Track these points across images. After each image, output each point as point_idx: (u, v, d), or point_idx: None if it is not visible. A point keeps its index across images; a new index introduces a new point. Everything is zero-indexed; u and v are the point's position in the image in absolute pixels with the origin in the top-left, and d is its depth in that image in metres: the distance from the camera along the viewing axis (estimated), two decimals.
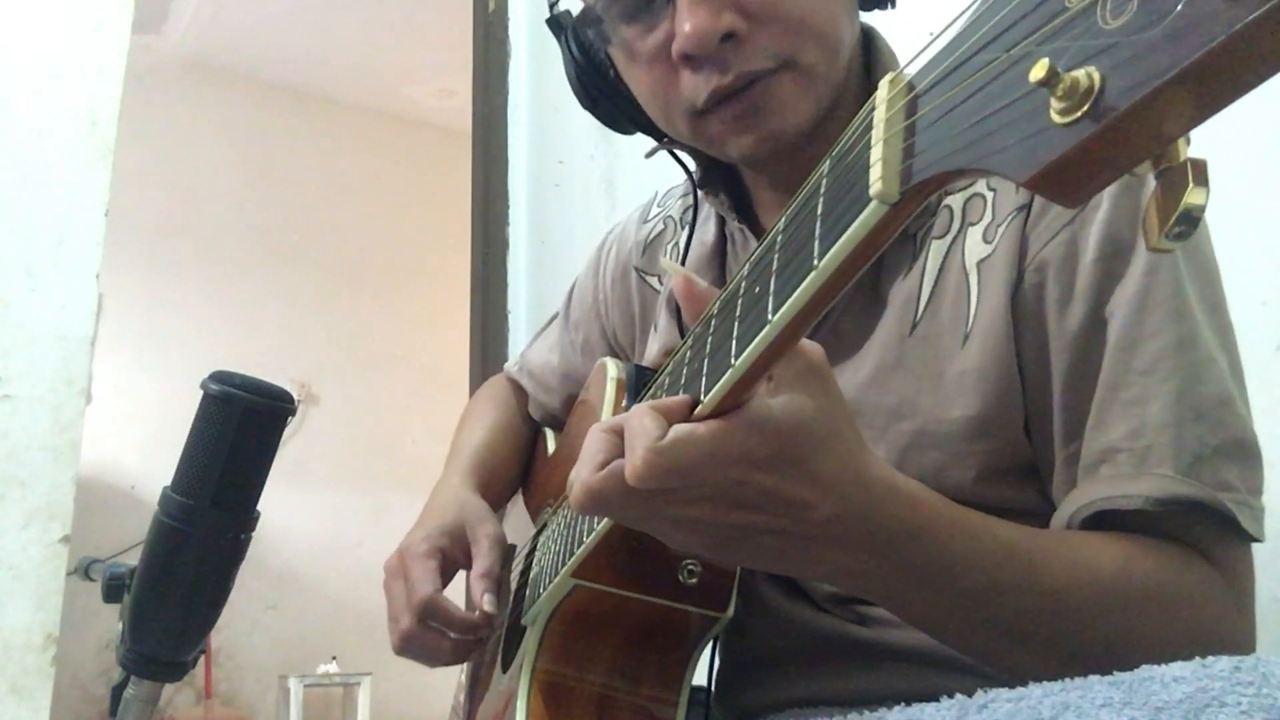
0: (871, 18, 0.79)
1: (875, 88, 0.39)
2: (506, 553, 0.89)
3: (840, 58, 0.72)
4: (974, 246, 0.71)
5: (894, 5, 0.76)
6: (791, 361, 0.49)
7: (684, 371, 0.53)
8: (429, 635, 0.82)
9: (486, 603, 0.81)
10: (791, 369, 0.49)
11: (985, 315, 0.69)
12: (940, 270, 0.72)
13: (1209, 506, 0.62)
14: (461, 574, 0.90)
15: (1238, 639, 0.64)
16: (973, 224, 0.72)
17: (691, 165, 0.86)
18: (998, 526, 0.60)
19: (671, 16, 0.69)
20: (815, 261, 0.40)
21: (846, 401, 0.73)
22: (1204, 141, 0.31)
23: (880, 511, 0.53)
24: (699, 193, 0.86)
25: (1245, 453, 0.65)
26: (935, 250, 0.73)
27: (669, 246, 0.95)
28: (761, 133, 0.72)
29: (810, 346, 0.50)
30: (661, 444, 0.47)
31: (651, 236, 0.98)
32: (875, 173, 0.36)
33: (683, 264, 0.89)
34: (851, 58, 0.75)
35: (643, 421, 0.48)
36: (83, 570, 3.41)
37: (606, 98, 0.81)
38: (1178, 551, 0.64)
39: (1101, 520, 0.65)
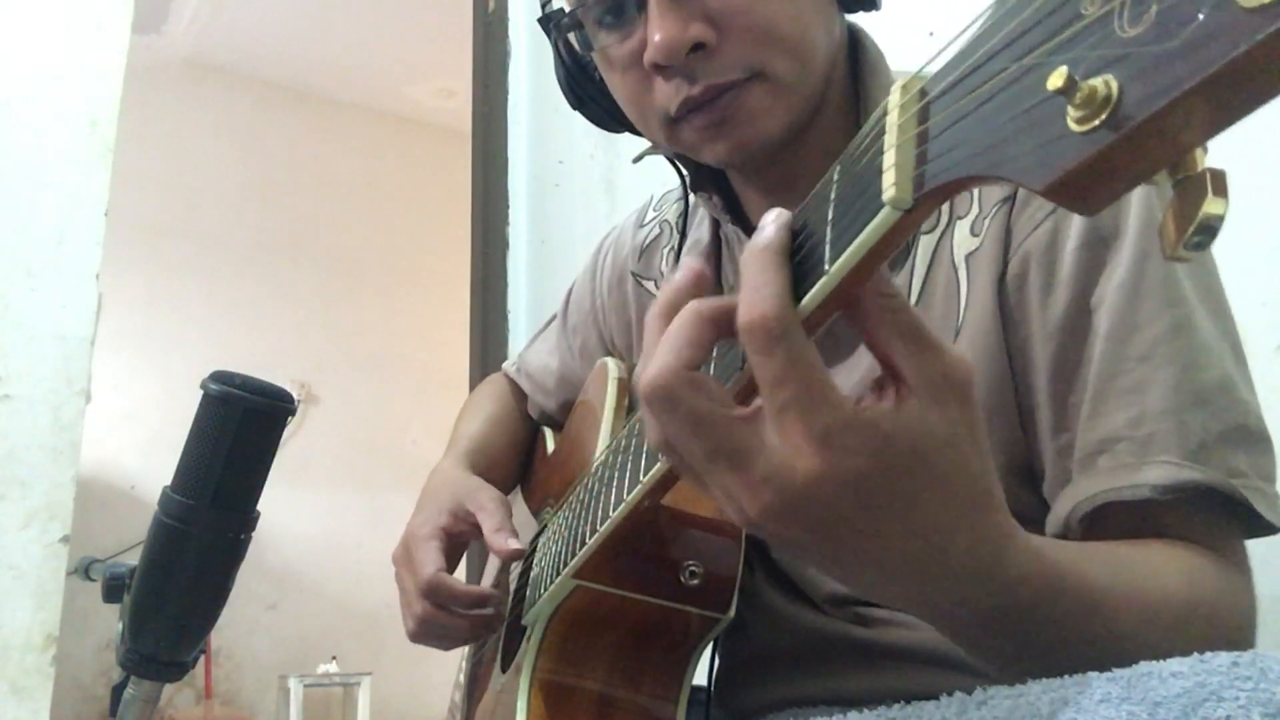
0: (869, 19, 0.79)
1: (863, 92, 0.39)
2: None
3: (814, 65, 0.71)
4: (962, 240, 0.71)
5: (879, 7, 0.75)
6: (926, 365, 0.42)
7: None
8: (443, 615, 0.82)
9: (512, 544, 0.80)
10: (925, 375, 0.42)
11: (974, 309, 0.69)
12: (930, 265, 0.72)
13: (1220, 492, 0.60)
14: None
15: (1252, 637, 0.62)
16: (960, 217, 0.72)
17: (684, 167, 0.86)
18: (1088, 571, 0.52)
19: (644, 25, 0.69)
20: (826, 266, 0.39)
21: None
22: None
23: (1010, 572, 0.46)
24: (692, 195, 0.87)
25: (1252, 438, 0.63)
26: (924, 245, 0.73)
27: (665, 250, 0.95)
28: (733, 141, 0.72)
29: (957, 356, 0.43)
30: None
31: (648, 241, 0.98)
32: (888, 178, 0.36)
33: (675, 268, 0.89)
34: (834, 62, 0.74)
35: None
36: (83, 570, 3.41)
37: (593, 99, 0.81)
38: (1211, 562, 0.60)
39: (1104, 514, 0.63)
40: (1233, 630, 0.59)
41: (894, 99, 0.38)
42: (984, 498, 0.44)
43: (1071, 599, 0.49)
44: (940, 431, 0.42)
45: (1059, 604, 0.49)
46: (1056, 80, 0.28)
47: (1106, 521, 0.63)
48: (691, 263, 0.46)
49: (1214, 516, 0.62)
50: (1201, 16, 0.24)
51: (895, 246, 0.39)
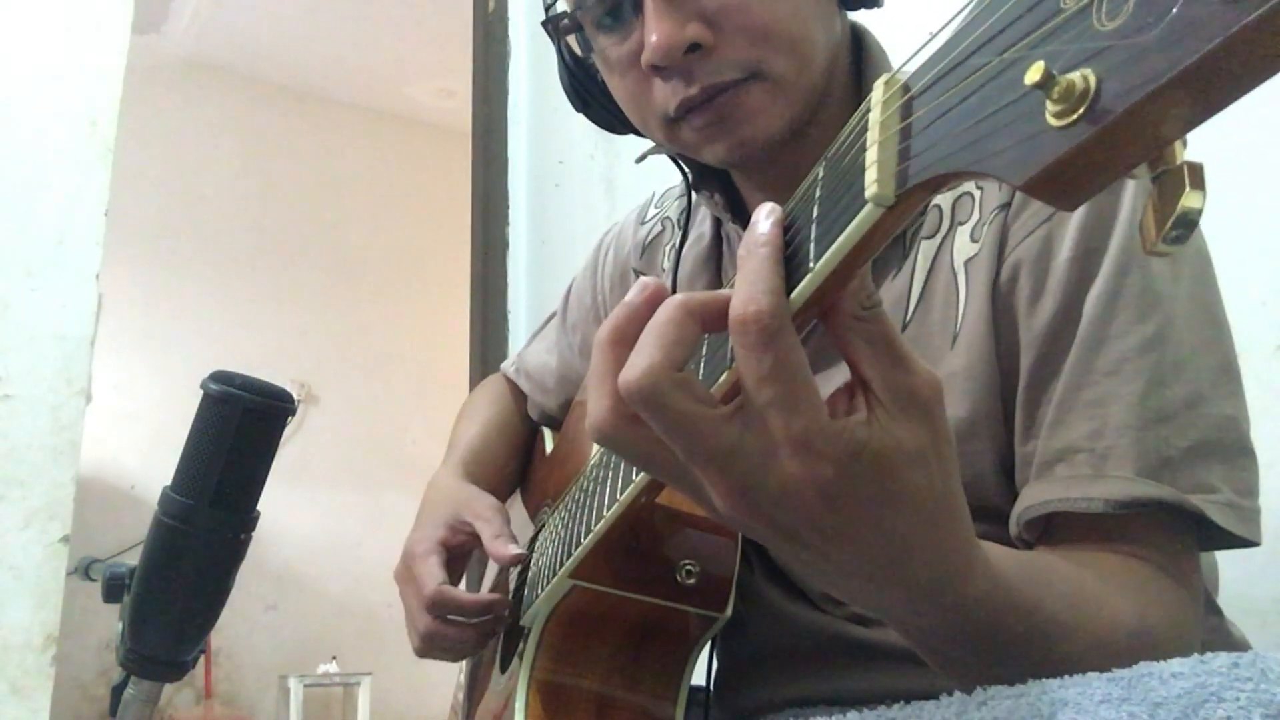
0: (870, 18, 0.79)
1: (865, 89, 0.39)
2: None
3: (814, 64, 0.71)
4: (962, 246, 0.71)
5: (880, 4, 0.75)
6: (894, 379, 0.42)
7: None
8: (448, 629, 0.83)
9: (511, 550, 0.81)
10: (892, 388, 0.42)
11: (972, 315, 0.69)
12: (930, 270, 0.72)
13: (1177, 507, 0.60)
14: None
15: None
16: (961, 223, 0.72)
17: (686, 166, 0.86)
18: (1043, 597, 0.53)
19: (641, 26, 0.69)
20: (811, 264, 0.40)
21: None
22: (1203, 141, 0.31)
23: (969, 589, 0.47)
24: (694, 194, 0.86)
25: (1229, 452, 0.63)
26: (924, 250, 0.73)
27: (666, 248, 0.95)
28: (732, 141, 0.71)
29: (926, 373, 0.43)
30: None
31: (650, 238, 0.98)
32: (870, 175, 0.36)
33: (677, 265, 0.89)
34: (835, 59, 0.74)
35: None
36: (83, 570, 3.42)
37: (597, 102, 0.81)
38: (1163, 585, 0.60)
39: (1059, 522, 0.63)
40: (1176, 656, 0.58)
41: (877, 95, 0.38)
42: (947, 516, 0.44)
43: (1023, 624, 0.50)
44: (908, 446, 0.41)
45: (1012, 628, 0.49)
46: (1034, 75, 0.28)
47: (1061, 530, 0.63)
48: (647, 280, 0.45)
49: (1170, 531, 0.62)
50: (1178, 9, 0.24)
51: (879, 244, 0.38)
